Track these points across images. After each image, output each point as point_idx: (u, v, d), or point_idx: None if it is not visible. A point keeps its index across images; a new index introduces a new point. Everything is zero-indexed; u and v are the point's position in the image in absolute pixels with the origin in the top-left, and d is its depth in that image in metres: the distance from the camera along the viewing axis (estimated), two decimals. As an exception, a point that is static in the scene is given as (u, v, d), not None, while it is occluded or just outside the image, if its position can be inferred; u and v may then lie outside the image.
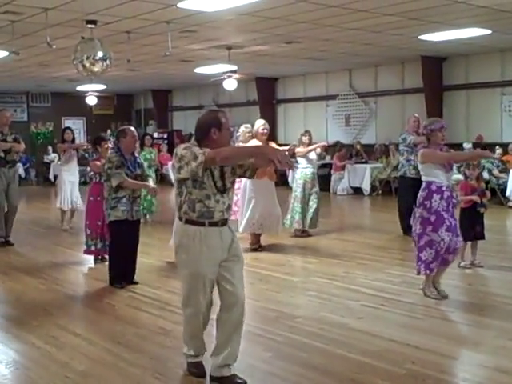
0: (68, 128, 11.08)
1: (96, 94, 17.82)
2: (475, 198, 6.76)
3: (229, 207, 3.93)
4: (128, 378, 4.08)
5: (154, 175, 10.28)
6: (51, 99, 21.65)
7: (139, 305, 5.73)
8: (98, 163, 7.41)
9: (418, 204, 5.75)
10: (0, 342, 4.86)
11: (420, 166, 5.90)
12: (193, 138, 3.95)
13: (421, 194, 5.74)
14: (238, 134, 8.75)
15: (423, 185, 5.78)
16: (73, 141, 10.55)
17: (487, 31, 10.63)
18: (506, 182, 12.18)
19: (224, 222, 3.89)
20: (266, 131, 8.26)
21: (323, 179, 15.81)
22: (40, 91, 20.96)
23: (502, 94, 13.52)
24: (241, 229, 8.13)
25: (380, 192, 15.07)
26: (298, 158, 9.25)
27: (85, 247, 7.65)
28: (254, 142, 8.11)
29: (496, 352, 4.42)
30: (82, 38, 8.84)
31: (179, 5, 8.17)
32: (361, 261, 7.45)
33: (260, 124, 8.30)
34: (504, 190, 12.18)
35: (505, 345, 4.54)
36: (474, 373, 4.09)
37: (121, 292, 6.24)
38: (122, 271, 6.45)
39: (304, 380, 3.99)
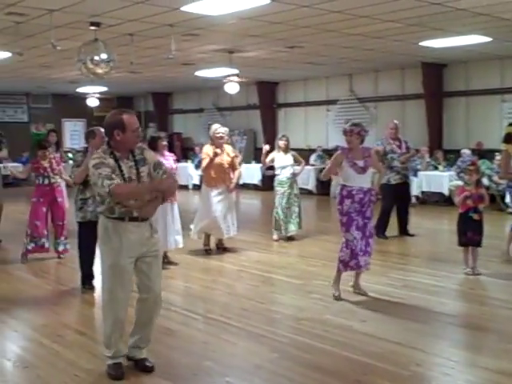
0: (53, 130, 11.35)
1: (97, 96, 17.85)
2: (466, 194, 6.74)
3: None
4: (135, 376, 4.11)
5: None
6: (52, 100, 21.66)
7: (144, 305, 5.76)
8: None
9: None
10: (8, 341, 4.94)
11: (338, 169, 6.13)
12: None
13: (337, 199, 6.07)
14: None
15: (338, 188, 6.11)
16: (57, 143, 10.96)
17: (487, 38, 10.71)
18: (505, 188, 12.24)
19: (144, 218, 4.03)
20: (221, 135, 8.19)
21: (323, 184, 15.88)
22: (40, 92, 20.95)
23: (502, 101, 13.59)
24: (196, 230, 8.30)
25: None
26: (275, 164, 9.27)
27: (29, 247, 7.82)
28: (208, 148, 8.17)
29: (498, 355, 4.47)
30: (96, 39, 8.85)
31: (183, 8, 8.22)
32: (362, 264, 7.49)
33: (215, 128, 8.25)
34: (503, 196, 12.26)
35: (506, 348, 4.60)
36: (477, 375, 4.14)
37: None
38: (91, 272, 6.50)
39: (309, 380, 4.04)
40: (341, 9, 8.47)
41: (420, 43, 11.21)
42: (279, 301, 5.98)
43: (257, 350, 4.59)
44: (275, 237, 9.29)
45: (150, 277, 4.09)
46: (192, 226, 8.41)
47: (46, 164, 7.75)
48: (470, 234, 6.82)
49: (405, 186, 9.44)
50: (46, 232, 7.83)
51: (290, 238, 9.28)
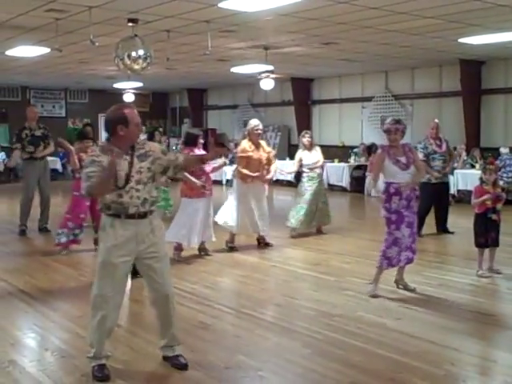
0: (89, 124, 11.53)
1: (133, 91, 18.04)
2: (487, 197, 6.56)
3: (145, 201, 3.93)
4: (169, 369, 4.16)
5: None
6: (88, 96, 22.00)
7: (178, 299, 5.77)
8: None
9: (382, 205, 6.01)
10: (46, 331, 5.04)
11: None
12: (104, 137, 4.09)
13: (382, 196, 6.00)
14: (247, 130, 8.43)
15: (384, 186, 6.01)
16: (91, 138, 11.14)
17: (528, 35, 10.51)
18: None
19: (142, 215, 3.93)
20: (259, 131, 8.20)
21: (358, 181, 15.80)
22: (78, 88, 21.30)
23: (542, 99, 13.35)
24: (234, 230, 8.21)
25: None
26: (304, 163, 9.21)
27: (64, 239, 7.93)
28: (246, 144, 8.14)
29: (536, 356, 4.41)
30: (133, 36, 8.96)
31: (220, 5, 8.25)
32: (397, 262, 7.43)
33: (255, 124, 8.20)
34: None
35: (545, 349, 4.53)
36: (514, 376, 4.09)
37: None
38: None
39: (342, 377, 4.03)
40: (378, 5, 8.41)
41: (459, 40, 11.05)
42: (312, 297, 5.97)
43: (289, 346, 4.61)
44: (294, 233, 9.21)
45: (155, 278, 4.05)
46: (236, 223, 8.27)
47: (85, 157, 7.80)
48: (493, 234, 6.66)
49: (444, 185, 9.40)
50: (84, 224, 8.03)
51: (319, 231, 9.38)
